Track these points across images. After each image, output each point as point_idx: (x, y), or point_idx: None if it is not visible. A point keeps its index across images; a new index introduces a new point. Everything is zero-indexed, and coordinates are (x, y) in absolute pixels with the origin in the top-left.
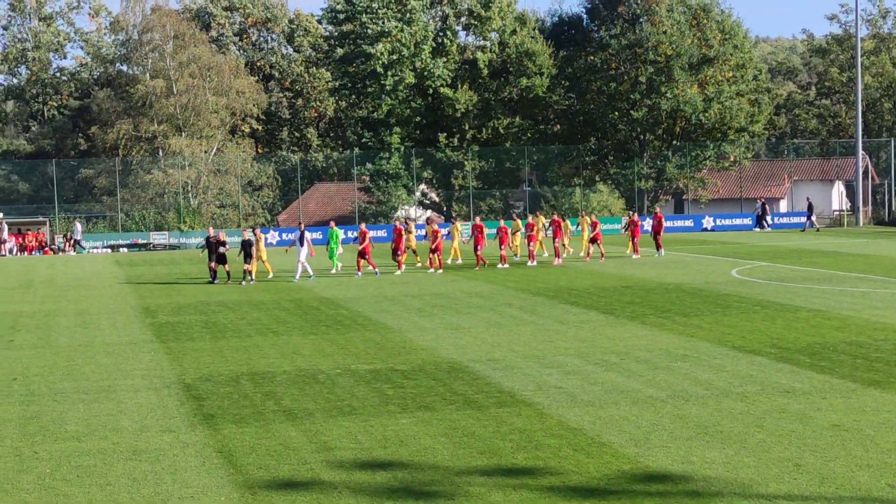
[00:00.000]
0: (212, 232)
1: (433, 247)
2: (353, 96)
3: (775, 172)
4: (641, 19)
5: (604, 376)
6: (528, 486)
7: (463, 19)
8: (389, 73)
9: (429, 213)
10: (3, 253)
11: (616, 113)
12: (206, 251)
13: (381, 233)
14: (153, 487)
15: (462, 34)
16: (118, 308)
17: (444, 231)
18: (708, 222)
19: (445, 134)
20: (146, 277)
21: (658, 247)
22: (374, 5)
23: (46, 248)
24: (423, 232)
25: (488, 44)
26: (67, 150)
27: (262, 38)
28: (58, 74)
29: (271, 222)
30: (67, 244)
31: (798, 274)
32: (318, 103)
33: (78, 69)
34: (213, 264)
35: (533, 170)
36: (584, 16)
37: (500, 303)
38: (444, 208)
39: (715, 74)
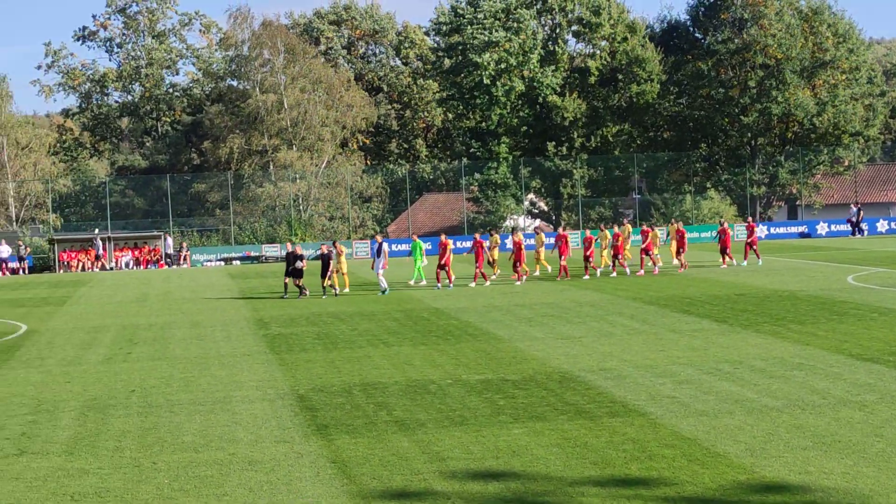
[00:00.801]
0: (290, 247)
1: (515, 258)
2: (461, 107)
3: (892, 177)
4: (748, 24)
5: (718, 385)
6: (642, 496)
7: (573, 27)
8: (498, 82)
9: (537, 222)
10: (117, 267)
11: (726, 118)
12: (289, 265)
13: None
14: (269, 498)
15: (571, 42)
16: (232, 320)
17: (529, 241)
18: (822, 228)
19: (554, 143)
20: (259, 290)
21: (756, 255)
22: (479, 16)
23: (161, 262)
24: (508, 242)
25: (598, 51)
26: (181, 164)
27: (370, 51)
28: (170, 91)
29: (380, 233)
30: (179, 258)
31: None
32: (426, 114)
33: (190, 85)
34: (287, 279)
35: (642, 177)
36: (689, 23)
37: (611, 312)
38: (553, 217)
39: (828, 78)
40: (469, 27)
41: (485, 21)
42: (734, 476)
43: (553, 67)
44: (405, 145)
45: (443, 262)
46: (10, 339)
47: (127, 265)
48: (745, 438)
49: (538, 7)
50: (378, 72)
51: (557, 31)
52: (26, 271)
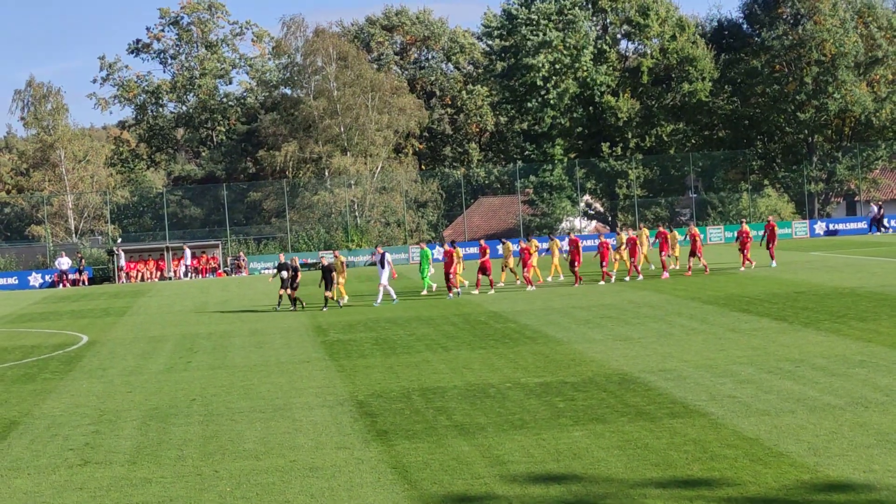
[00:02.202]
0: (282, 258)
1: (524, 263)
2: (514, 110)
3: None
4: (803, 20)
5: (779, 384)
6: (704, 497)
7: (624, 27)
8: (549, 84)
9: (593, 223)
10: (175, 276)
11: (782, 115)
12: (279, 277)
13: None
14: None
15: (623, 42)
16: (290, 327)
17: (543, 246)
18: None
19: (608, 143)
20: (316, 296)
21: (771, 257)
22: (533, 17)
23: (219, 271)
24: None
25: (649, 50)
26: (237, 174)
27: (422, 57)
28: (224, 100)
29: (436, 238)
30: (238, 267)
31: None
32: (478, 118)
33: (244, 94)
34: (282, 291)
35: (698, 176)
36: (741, 20)
37: (669, 312)
38: (609, 218)
39: (886, 74)
40: (523, 28)
41: (538, 22)
42: (797, 475)
43: (606, 67)
44: (459, 149)
45: (449, 270)
46: (72, 350)
47: (186, 274)
48: (807, 437)
49: (591, 8)
50: (430, 76)
51: (609, 30)
52: (86, 282)
